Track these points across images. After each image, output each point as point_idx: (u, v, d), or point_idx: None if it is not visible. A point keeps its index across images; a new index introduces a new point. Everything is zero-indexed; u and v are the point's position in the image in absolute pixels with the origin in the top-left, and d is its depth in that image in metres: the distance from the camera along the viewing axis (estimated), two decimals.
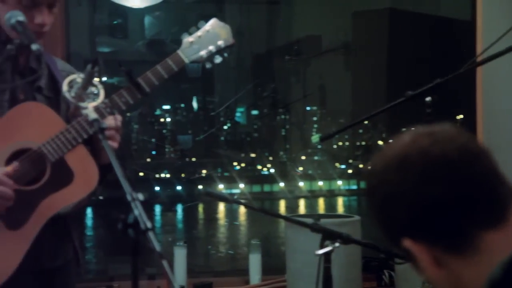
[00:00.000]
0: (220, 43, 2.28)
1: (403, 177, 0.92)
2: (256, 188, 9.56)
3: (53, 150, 2.07)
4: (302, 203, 9.86)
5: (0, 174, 2.00)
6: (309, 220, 2.22)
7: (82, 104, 1.99)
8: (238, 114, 8.44)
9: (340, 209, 10.05)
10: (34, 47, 1.94)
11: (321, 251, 2.05)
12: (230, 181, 8.84)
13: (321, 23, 6.53)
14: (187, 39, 2.27)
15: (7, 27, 2.05)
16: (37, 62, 2.19)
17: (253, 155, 9.22)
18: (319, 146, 8.64)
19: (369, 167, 0.98)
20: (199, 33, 2.27)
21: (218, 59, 2.29)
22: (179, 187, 8.86)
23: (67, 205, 2.08)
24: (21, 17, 2.03)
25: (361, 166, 9.77)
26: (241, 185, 9.11)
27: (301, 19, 6.58)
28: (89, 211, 6.70)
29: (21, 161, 2.08)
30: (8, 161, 2.08)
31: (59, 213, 2.09)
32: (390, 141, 0.99)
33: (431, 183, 0.90)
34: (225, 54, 2.28)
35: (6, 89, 2.15)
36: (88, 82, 2.05)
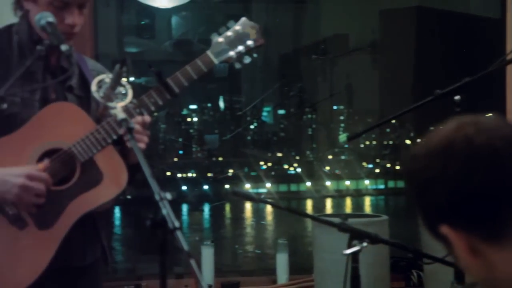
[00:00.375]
0: (250, 43, 2.27)
1: (446, 163, 0.93)
2: (283, 188, 9.55)
3: (83, 150, 2.09)
4: (329, 202, 9.83)
5: (33, 171, 2.02)
6: (336, 220, 2.21)
7: (111, 104, 2.01)
8: (264, 114, 8.43)
9: (368, 208, 10.00)
10: (63, 47, 1.97)
11: (348, 251, 2.04)
12: (257, 181, 8.84)
13: (348, 22, 6.51)
14: (217, 39, 2.26)
15: (38, 28, 2.08)
16: (68, 62, 2.21)
17: (279, 154, 9.21)
18: (346, 146, 8.61)
19: (412, 151, 0.99)
20: (228, 33, 2.26)
21: (247, 59, 2.28)
22: (206, 187, 8.88)
23: (96, 206, 2.10)
24: (50, 18, 2.05)
25: (388, 165, 9.71)
26: (268, 185, 9.11)
27: (328, 18, 6.56)
28: (117, 210, 6.75)
29: (52, 161, 2.11)
30: (39, 161, 2.11)
31: (88, 212, 2.11)
32: (430, 132, 1.00)
33: (474, 171, 0.91)
34: (255, 54, 2.27)
35: (38, 89, 2.18)
36: (116, 82, 2.07)
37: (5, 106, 2.13)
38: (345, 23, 6.54)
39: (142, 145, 2.14)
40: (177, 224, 1.58)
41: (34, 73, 2.18)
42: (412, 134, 8.60)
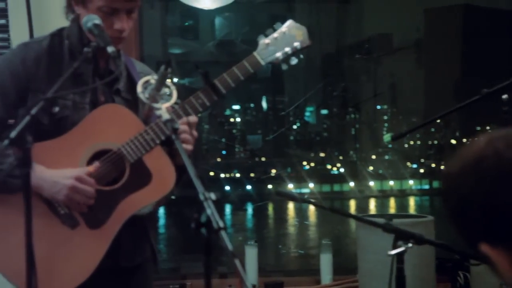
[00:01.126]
0: (296, 44, 2.28)
1: (477, 180, 0.91)
2: (326, 188, 9.52)
3: (132, 151, 2.14)
4: (372, 203, 9.76)
5: (83, 173, 2.07)
6: (381, 220, 2.21)
7: (156, 105, 2.04)
8: (307, 114, 8.42)
9: (412, 209, 9.90)
10: (109, 49, 2.01)
11: (393, 252, 2.04)
12: (300, 181, 8.83)
13: (392, 21, 6.45)
14: (263, 40, 2.28)
15: (85, 30, 2.13)
16: (116, 65, 2.26)
17: (322, 154, 9.18)
18: (390, 146, 8.54)
19: (445, 169, 0.98)
20: (275, 34, 2.28)
21: (294, 61, 2.29)
22: (249, 187, 8.91)
23: (145, 205, 2.14)
24: (97, 20, 2.10)
25: (433, 165, 9.60)
26: (311, 185, 9.09)
27: (372, 17, 6.51)
28: (161, 210, 6.83)
29: (102, 161, 2.15)
30: (90, 162, 2.16)
31: (138, 213, 2.15)
32: (467, 142, 0.98)
33: (505, 188, 0.89)
34: (301, 55, 2.29)
35: (87, 92, 2.23)
36: (161, 83, 2.10)
37: (57, 109, 2.19)
38: (389, 22, 6.49)
39: (189, 146, 2.16)
40: (221, 224, 1.60)
41: (84, 76, 2.23)
42: (457, 134, 8.48)
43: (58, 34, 2.31)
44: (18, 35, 3.38)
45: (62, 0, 2.35)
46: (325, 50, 6.51)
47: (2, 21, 3.38)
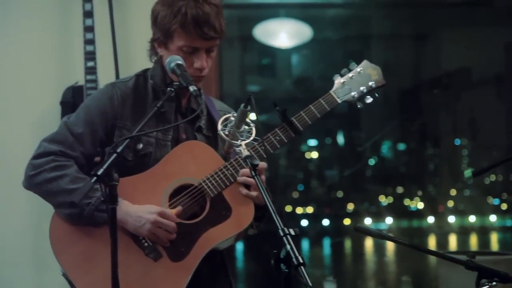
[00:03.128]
0: (371, 83, 2.33)
1: None
2: (404, 223, 9.36)
3: (213, 186, 2.21)
4: (453, 239, 9.52)
5: (165, 209, 2.16)
6: (463, 257, 2.18)
7: (236, 142, 2.11)
8: (384, 149, 8.35)
9: (495, 246, 9.58)
10: (191, 88, 2.10)
11: None
12: (377, 216, 8.72)
13: (471, 55, 6.36)
14: (339, 80, 2.34)
15: (168, 70, 2.23)
16: (197, 103, 2.35)
17: (400, 189, 9.05)
18: (471, 182, 8.34)
19: None
20: (350, 74, 2.33)
21: (369, 99, 2.34)
22: (326, 222, 8.86)
23: (224, 239, 2.19)
24: (179, 61, 2.20)
25: None
26: (389, 220, 8.96)
27: (450, 52, 6.44)
28: (240, 245, 6.88)
29: (183, 196, 2.23)
30: (172, 196, 2.24)
31: (217, 246, 2.20)
32: None
33: None
34: (376, 94, 2.32)
35: (170, 129, 2.32)
36: (241, 121, 2.17)
37: (141, 146, 2.29)
38: (468, 56, 6.40)
39: (254, 193, 2.21)
40: (301, 259, 1.62)
41: (167, 114, 2.33)
42: None
43: (143, 75, 2.43)
44: (105, 76, 3.54)
45: (146, 43, 2.47)
46: (403, 85, 6.46)
47: (91, 63, 3.55)
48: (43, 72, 3.92)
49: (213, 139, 2.40)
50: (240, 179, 2.19)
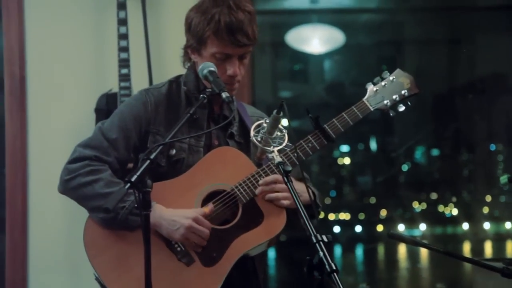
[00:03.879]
0: (404, 92, 2.32)
1: None
2: (438, 230, 9.25)
3: (245, 192, 2.21)
4: (488, 246, 9.38)
5: (199, 214, 2.17)
6: (499, 264, 2.15)
7: (268, 148, 2.11)
8: (418, 154, 8.27)
9: None
10: (224, 95, 2.11)
11: None
12: (411, 223, 8.64)
13: (506, 60, 6.28)
14: (372, 88, 2.34)
15: (201, 77, 2.24)
16: (229, 110, 2.36)
17: (434, 196, 8.96)
18: (506, 188, 8.22)
19: None
20: (383, 82, 2.33)
21: (401, 108, 2.33)
22: (358, 228, 8.81)
23: (256, 245, 2.20)
24: (212, 68, 2.21)
25: None
26: (423, 227, 8.87)
27: (485, 57, 6.36)
28: (272, 251, 6.88)
29: (216, 202, 2.24)
30: (205, 202, 2.25)
31: (248, 252, 2.21)
32: None
33: None
34: (409, 103, 2.31)
35: (202, 136, 2.34)
36: (273, 127, 2.17)
37: (173, 151, 2.31)
38: (503, 61, 6.32)
39: (286, 202, 2.21)
40: (334, 266, 1.61)
41: (199, 120, 2.34)
42: None
43: (176, 81, 2.45)
44: (139, 83, 3.58)
45: (179, 50, 2.49)
46: (436, 90, 6.40)
47: (125, 71, 3.59)
48: (78, 80, 3.98)
49: (245, 146, 2.41)
50: (258, 189, 2.18)
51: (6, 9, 3.93)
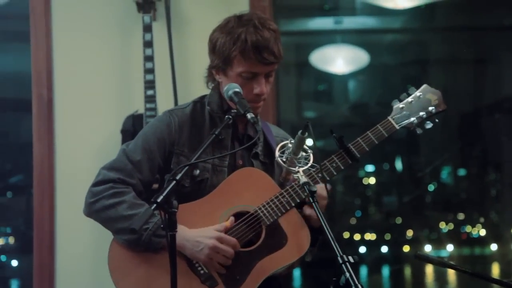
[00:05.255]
0: (431, 108, 2.29)
1: None
2: (466, 251, 9.12)
3: (269, 213, 2.21)
4: None
5: (222, 233, 2.16)
6: None
7: (293, 169, 2.11)
8: (444, 174, 8.20)
9: None
10: (249, 116, 2.11)
11: None
12: (438, 243, 8.54)
13: None
14: (398, 105, 2.32)
15: (226, 98, 2.25)
16: (254, 130, 2.36)
17: (461, 216, 8.86)
18: None
19: None
20: (409, 99, 2.30)
21: (429, 125, 2.30)
22: (384, 249, 8.73)
23: (280, 267, 2.18)
24: (237, 89, 2.22)
25: None
26: (450, 247, 8.76)
27: (510, 76, 6.31)
28: (297, 272, 6.84)
29: (239, 223, 2.23)
30: None
31: (273, 274, 2.20)
32: None
33: None
34: (436, 120, 2.28)
35: (227, 156, 2.34)
36: (298, 147, 2.17)
37: (197, 172, 2.32)
38: None
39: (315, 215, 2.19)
40: (361, 287, 1.60)
41: (224, 140, 2.35)
42: None
43: (200, 101, 2.47)
44: (164, 104, 3.61)
45: (204, 71, 2.51)
46: (462, 110, 6.34)
47: (150, 92, 3.62)
48: (105, 101, 4.02)
49: (269, 166, 2.41)
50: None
51: (34, 33, 4.00)
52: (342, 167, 2.27)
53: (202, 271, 2.20)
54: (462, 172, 8.19)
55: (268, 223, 2.22)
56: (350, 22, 5.70)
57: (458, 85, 6.18)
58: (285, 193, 2.26)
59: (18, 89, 4.82)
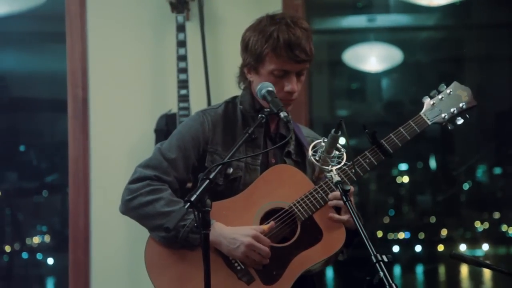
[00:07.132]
0: (462, 105, 2.29)
1: None
2: (502, 250, 9.01)
3: (303, 209, 2.21)
4: None
5: (259, 232, 2.17)
6: None
7: (326, 168, 2.11)
8: (479, 173, 8.10)
9: None
10: (282, 114, 2.12)
11: None
12: (473, 242, 8.44)
13: None
14: (428, 101, 2.32)
15: (259, 97, 2.26)
16: (286, 129, 2.37)
17: (497, 215, 8.75)
18: None
19: None
20: (440, 96, 2.30)
21: (460, 121, 2.29)
22: (418, 248, 8.66)
23: (316, 263, 2.19)
24: (270, 88, 2.23)
25: None
26: (485, 247, 8.65)
27: None
28: (330, 271, 6.83)
29: (275, 220, 2.24)
30: (263, 220, 2.25)
31: (309, 270, 2.20)
32: None
33: None
34: (467, 116, 2.27)
35: (259, 154, 2.35)
36: (332, 146, 2.17)
37: (231, 170, 2.33)
38: None
39: (344, 217, 2.19)
40: (395, 287, 1.59)
41: (256, 139, 2.36)
42: None
43: (232, 101, 2.49)
44: (197, 104, 3.63)
45: (237, 70, 2.52)
46: (498, 108, 6.25)
47: (184, 92, 3.65)
48: (138, 101, 4.05)
49: (301, 164, 2.41)
50: (331, 202, 2.19)
51: (69, 34, 4.05)
52: (376, 163, 2.27)
53: (238, 267, 2.22)
54: (497, 170, 8.08)
55: (303, 218, 2.23)
56: (383, 19, 5.66)
57: (494, 83, 6.10)
58: (319, 189, 2.27)
59: (54, 90, 4.90)
